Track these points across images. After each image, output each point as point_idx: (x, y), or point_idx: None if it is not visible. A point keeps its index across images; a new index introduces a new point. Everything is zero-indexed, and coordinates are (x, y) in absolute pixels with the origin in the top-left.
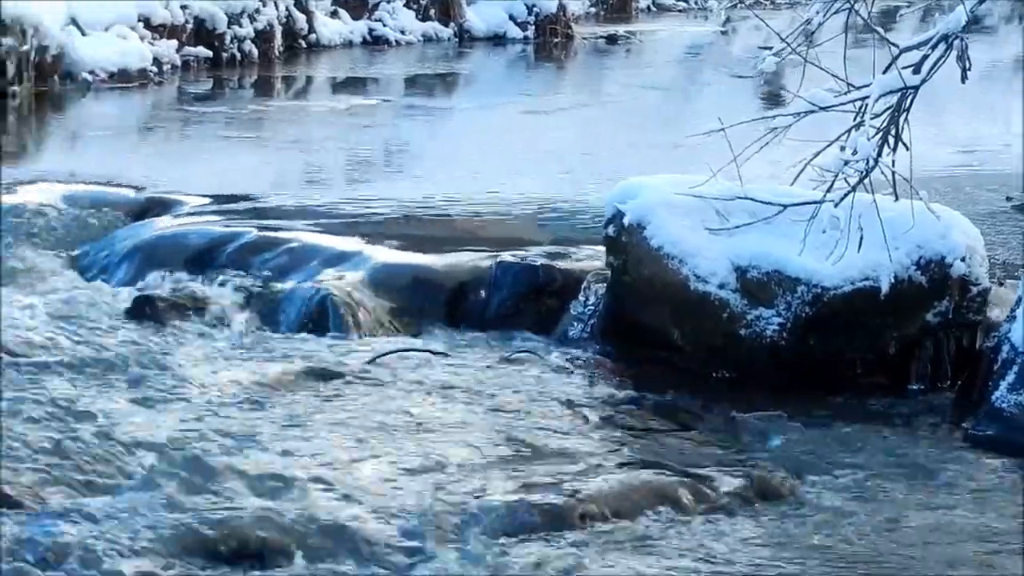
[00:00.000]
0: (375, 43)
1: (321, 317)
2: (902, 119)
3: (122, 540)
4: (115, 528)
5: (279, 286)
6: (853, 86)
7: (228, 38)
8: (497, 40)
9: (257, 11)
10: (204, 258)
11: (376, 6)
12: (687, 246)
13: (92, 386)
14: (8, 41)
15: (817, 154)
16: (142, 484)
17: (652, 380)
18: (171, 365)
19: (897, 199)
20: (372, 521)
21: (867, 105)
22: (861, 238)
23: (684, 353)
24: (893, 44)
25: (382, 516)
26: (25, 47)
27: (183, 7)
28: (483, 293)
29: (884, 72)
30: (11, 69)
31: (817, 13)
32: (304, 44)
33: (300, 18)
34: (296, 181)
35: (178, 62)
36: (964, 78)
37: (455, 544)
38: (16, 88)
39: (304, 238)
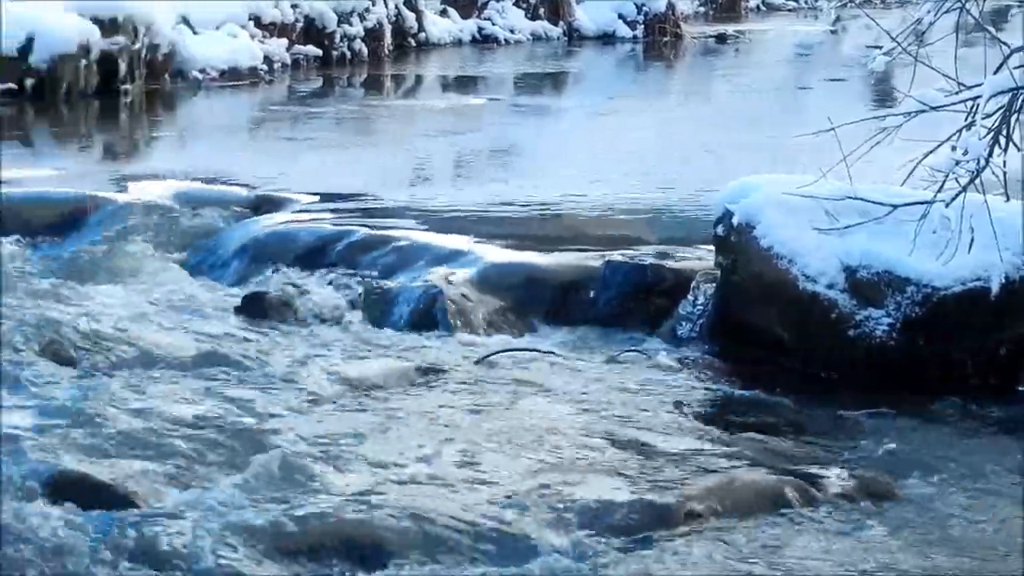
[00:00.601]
0: (484, 42)
1: (430, 315)
2: (1014, 119)
3: (230, 537)
4: (223, 525)
5: (388, 284)
6: (964, 86)
7: (338, 37)
8: (606, 39)
9: (367, 10)
10: (314, 256)
11: (485, 5)
12: (796, 246)
13: (202, 383)
14: (120, 39)
15: (928, 154)
16: (251, 481)
17: (760, 379)
18: (280, 362)
19: (1008, 199)
20: (477, 519)
21: (978, 105)
22: (972, 238)
23: (792, 353)
24: (1004, 43)
25: (488, 514)
26: (137, 45)
27: (293, 6)
28: (592, 292)
29: (995, 72)
30: (123, 67)
31: (928, 12)
32: (413, 43)
33: (410, 17)
34: (405, 179)
35: (288, 60)
36: None
37: (560, 542)
38: (128, 86)
39: (413, 236)
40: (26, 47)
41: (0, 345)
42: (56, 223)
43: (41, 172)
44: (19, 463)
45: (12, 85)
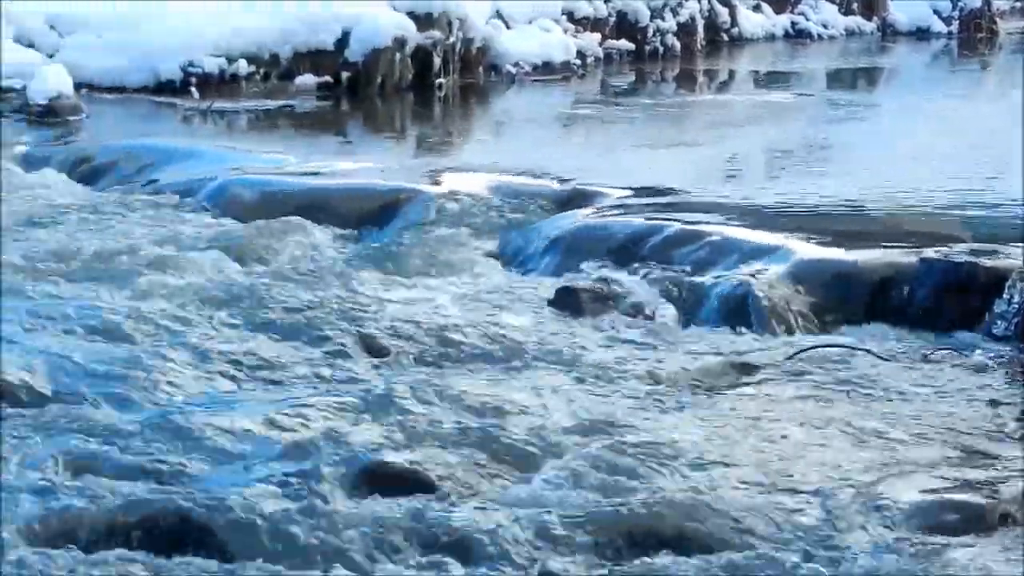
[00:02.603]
0: (797, 37)
1: (742, 311)
2: None
3: (534, 528)
4: (531, 518)
5: (699, 279)
6: None
7: (651, 31)
8: (920, 35)
9: (680, 5)
10: (625, 250)
11: (799, 0)
12: None
13: (513, 375)
14: (435, 34)
15: None
16: (560, 475)
17: None
18: (593, 356)
19: None
20: (781, 516)
21: None
22: None
23: None
24: None
25: (792, 511)
26: (451, 40)
27: (606, 1)
28: (905, 289)
29: None
30: (437, 61)
31: None
32: (726, 37)
33: (723, 12)
34: (716, 175)
35: (600, 55)
36: None
37: (871, 540)
38: (442, 80)
39: (724, 232)
40: (342, 41)
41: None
42: (372, 215)
43: (357, 164)
44: (333, 453)
45: (328, 78)
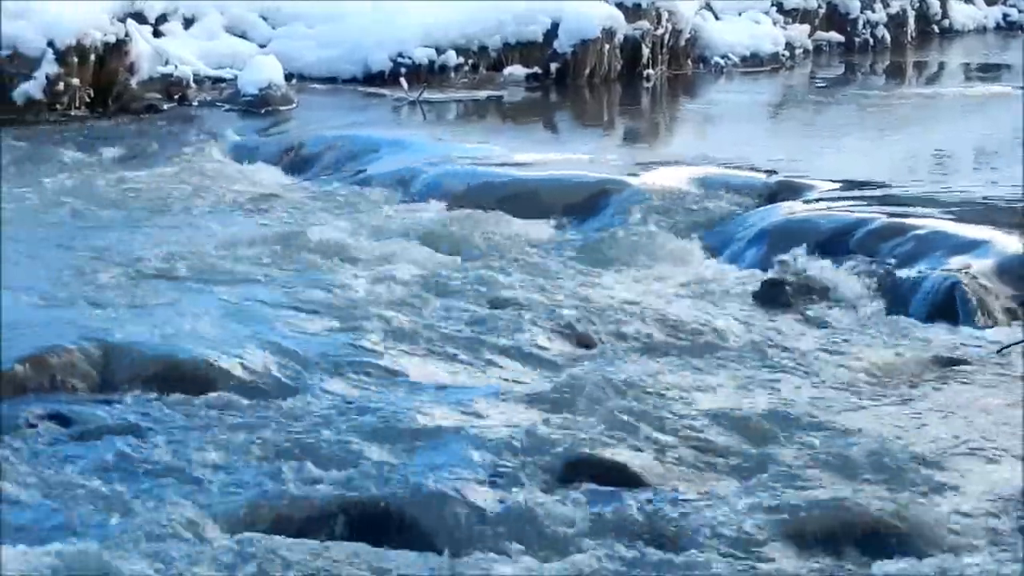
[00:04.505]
0: (1009, 28)
1: (949, 305)
2: None
3: (741, 522)
4: (736, 511)
5: (906, 273)
6: None
7: (860, 23)
8: None
9: None
10: (831, 243)
11: None
12: None
13: (718, 368)
14: (644, 25)
15: None
16: (765, 468)
17: None
18: (799, 349)
19: None
20: (991, 516)
21: None
22: None
23: None
24: None
25: (982, 508)
26: (660, 31)
27: None
28: None
29: None
30: (646, 53)
31: None
32: (936, 29)
33: (933, 3)
34: (924, 168)
35: (809, 47)
36: None
37: None
38: (650, 71)
39: (932, 225)
40: (551, 32)
41: None
42: (578, 206)
43: (564, 155)
44: (538, 444)
45: (537, 69)
